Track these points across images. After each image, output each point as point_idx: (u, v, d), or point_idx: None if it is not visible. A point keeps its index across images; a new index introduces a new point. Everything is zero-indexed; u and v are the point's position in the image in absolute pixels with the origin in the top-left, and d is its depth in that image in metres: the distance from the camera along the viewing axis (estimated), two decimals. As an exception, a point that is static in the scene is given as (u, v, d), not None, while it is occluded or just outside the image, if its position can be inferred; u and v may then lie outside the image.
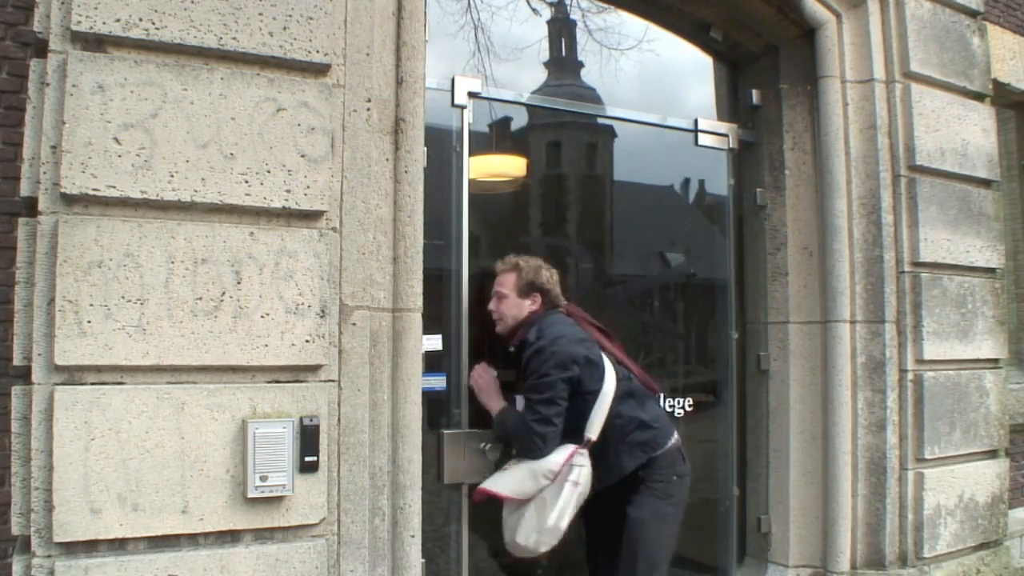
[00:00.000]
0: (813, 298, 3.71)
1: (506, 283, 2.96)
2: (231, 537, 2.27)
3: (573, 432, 2.78)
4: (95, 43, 2.19)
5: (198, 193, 2.24)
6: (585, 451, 2.77)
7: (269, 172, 2.32)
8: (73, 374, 2.12)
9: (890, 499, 3.51)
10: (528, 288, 2.95)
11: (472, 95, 3.19)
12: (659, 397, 3.26)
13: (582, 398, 2.78)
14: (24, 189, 2.19)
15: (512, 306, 2.96)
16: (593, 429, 2.78)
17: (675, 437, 2.96)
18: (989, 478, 3.80)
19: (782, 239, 3.81)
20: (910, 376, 3.57)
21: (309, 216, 2.40)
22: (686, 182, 4.13)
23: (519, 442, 2.80)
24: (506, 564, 3.29)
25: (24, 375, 2.16)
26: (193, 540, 2.22)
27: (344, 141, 2.50)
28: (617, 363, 2.93)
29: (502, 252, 3.12)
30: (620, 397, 2.84)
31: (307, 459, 2.33)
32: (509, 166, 3.82)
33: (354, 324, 2.49)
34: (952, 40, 3.91)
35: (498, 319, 2.98)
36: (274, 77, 2.36)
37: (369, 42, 2.59)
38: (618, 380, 2.86)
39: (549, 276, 2.99)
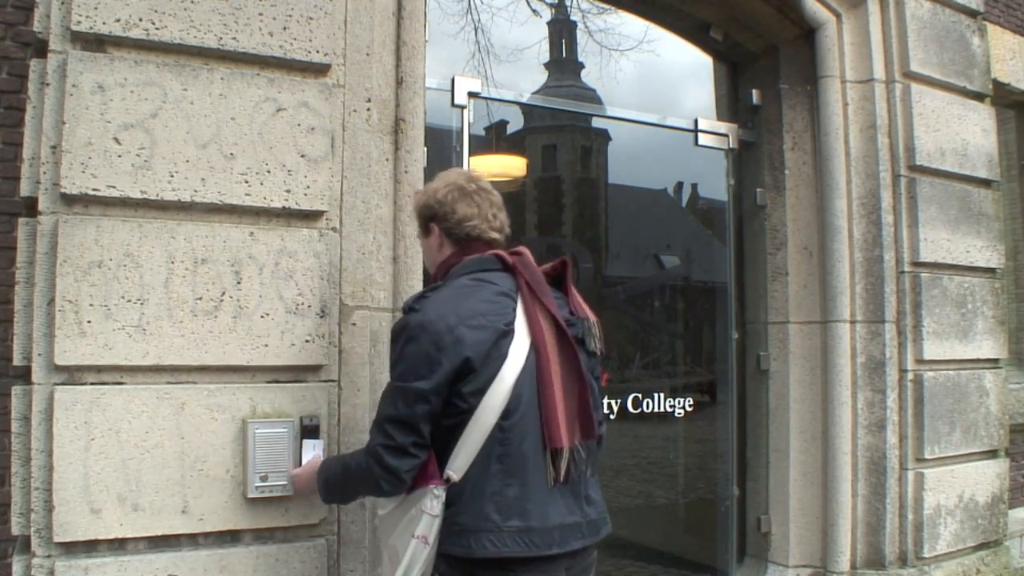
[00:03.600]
0: (813, 298, 3.71)
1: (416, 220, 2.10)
2: (231, 537, 2.27)
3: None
4: (95, 43, 2.18)
5: (198, 193, 2.24)
6: (442, 493, 1.80)
7: (269, 172, 2.32)
8: (73, 374, 2.12)
9: (890, 499, 3.51)
10: (425, 222, 2.01)
11: (472, 95, 3.19)
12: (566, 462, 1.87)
13: (451, 414, 1.79)
14: (24, 189, 2.19)
15: (425, 247, 2.08)
16: (457, 464, 1.79)
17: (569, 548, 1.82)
18: (989, 478, 3.80)
19: (782, 239, 3.81)
20: (910, 376, 3.57)
21: (309, 216, 2.40)
22: (685, 183, 4.14)
23: (363, 486, 1.92)
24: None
25: (24, 375, 2.16)
26: (193, 540, 2.22)
27: (344, 141, 2.50)
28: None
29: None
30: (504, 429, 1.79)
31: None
32: (509, 166, 3.83)
33: (354, 324, 2.49)
34: (952, 40, 3.90)
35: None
36: (274, 77, 2.36)
37: (369, 42, 2.59)
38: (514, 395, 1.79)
39: (455, 198, 1.94)
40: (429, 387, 1.75)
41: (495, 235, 1.96)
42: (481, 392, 1.77)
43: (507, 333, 1.81)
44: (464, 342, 1.75)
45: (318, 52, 2.42)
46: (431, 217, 1.98)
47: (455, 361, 1.75)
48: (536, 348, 1.83)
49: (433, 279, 2.04)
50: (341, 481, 1.96)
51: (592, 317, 1.98)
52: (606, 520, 1.95)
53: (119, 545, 2.15)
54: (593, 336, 1.95)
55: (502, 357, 1.79)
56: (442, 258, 1.99)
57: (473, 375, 1.76)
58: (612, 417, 3.49)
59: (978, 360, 3.81)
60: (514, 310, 1.85)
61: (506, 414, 1.78)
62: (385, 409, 1.82)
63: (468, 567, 1.77)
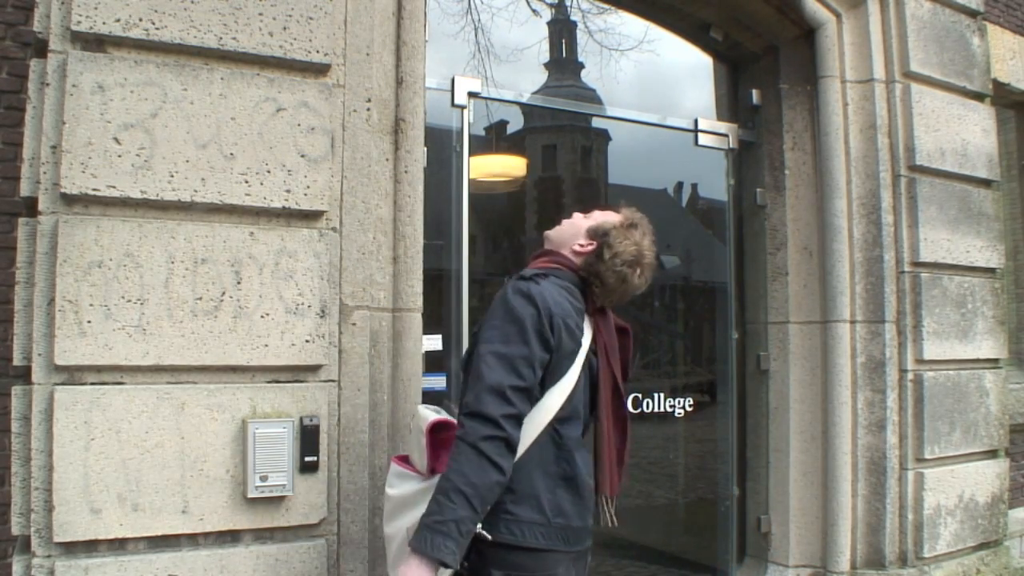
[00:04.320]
0: (813, 298, 3.71)
1: (599, 212, 2.10)
2: (231, 537, 2.27)
3: None
4: (95, 43, 2.18)
5: (198, 193, 2.24)
6: None
7: (269, 172, 2.32)
8: (73, 374, 2.12)
9: (890, 499, 3.51)
10: (599, 235, 2.01)
11: (472, 95, 3.19)
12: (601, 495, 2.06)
13: None
14: (24, 189, 2.19)
15: (570, 228, 2.08)
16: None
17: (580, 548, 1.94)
18: (989, 478, 3.80)
19: (782, 239, 3.81)
20: (910, 376, 3.57)
21: (309, 216, 2.40)
22: (685, 183, 4.14)
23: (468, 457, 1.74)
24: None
25: (24, 375, 2.16)
26: (193, 540, 2.22)
27: (344, 141, 2.50)
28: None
29: (502, 252, 3.12)
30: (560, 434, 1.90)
31: (307, 459, 2.33)
32: (509, 166, 3.83)
33: (354, 324, 2.49)
34: (952, 40, 3.90)
35: (555, 228, 2.16)
36: (274, 77, 2.36)
37: (369, 42, 2.59)
38: (569, 403, 1.91)
39: (630, 257, 1.98)
40: (547, 356, 1.84)
41: (600, 306, 2.04)
42: (546, 387, 1.86)
43: (580, 347, 1.93)
44: (560, 331, 1.87)
45: (318, 52, 2.42)
46: (604, 243, 2.00)
47: (552, 344, 1.85)
48: (597, 403, 2.00)
49: (548, 243, 2.13)
50: (457, 495, 1.70)
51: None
52: None
53: (119, 545, 2.15)
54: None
55: (568, 367, 1.90)
56: (567, 252, 2.05)
57: (553, 365, 1.86)
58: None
59: (978, 360, 3.81)
60: (584, 332, 1.98)
61: (561, 420, 1.89)
62: (503, 378, 1.76)
63: (504, 553, 1.83)
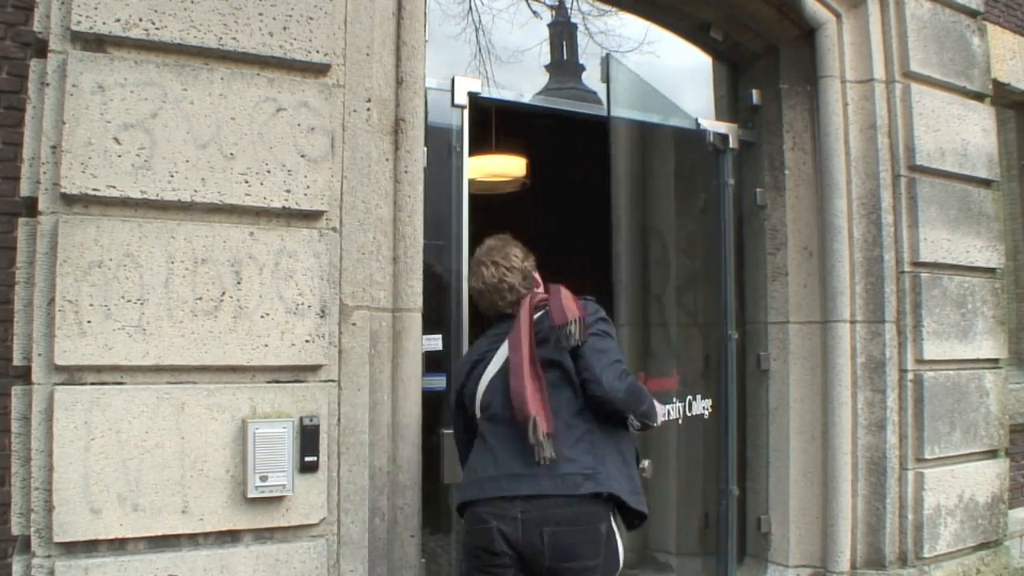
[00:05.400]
0: (813, 298, 3.71)
1: None
2: (231, 537, 2.27)
3: None
4: (95, 43, 2.19)
5: (198, 193, 2.24)
6: None
7: (269, 172, 2.32)
8: (73, 374, 2.12)
9: (890, 499, 3.51)
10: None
11: (472, 95, 3.18)
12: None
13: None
14: (24, 189, 2.19)
15: None
16: None
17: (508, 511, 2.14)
18: (989, 478, 3.80)
19: (782, 239, 3.81)
20: (910, 376, 3.57)
21: (309, 216, 2.40)
22: (685, 182, 4.13)
23: None
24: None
25: (24, 375, 2.16)
26: (193, 540, 2.22)
27: (344, 141, 2.51)
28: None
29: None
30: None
31: (307, 459, 2.33)
32: (509, 166, 3.84)
33: (354, 324, 2.49)
34: (952, 40, 3.91)
35: None
36: (274, 77, 2.36)
37: (369, 42, 2.59)
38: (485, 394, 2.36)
39: (485, 273, 2.44)
40: (453, 403, 2.51)
41: (508, 311, 2.41)
42: (472, 401, 2.37)
43: (479, 362, 2.38)
44: (461, 374, 2.45)
45: (318, 52, 2.42)
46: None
47: (458, 392, 2.46)
48: (507, 369, 2.28)
49: None
50: None
51: (571, 316, 2.24)
52: (590, 477, 2.16)
53: (119, 545, 2.15)
54: (568, 335, 2.23)
55: (478, 376, 2.36)
56: None
57: (464, 390, 2.41)
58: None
59: (978, 360, 3.81)
60: (499, 344, 2.35)
61: (483, 409, 2.33)
62: None
63: (461, 514, 2.29)
